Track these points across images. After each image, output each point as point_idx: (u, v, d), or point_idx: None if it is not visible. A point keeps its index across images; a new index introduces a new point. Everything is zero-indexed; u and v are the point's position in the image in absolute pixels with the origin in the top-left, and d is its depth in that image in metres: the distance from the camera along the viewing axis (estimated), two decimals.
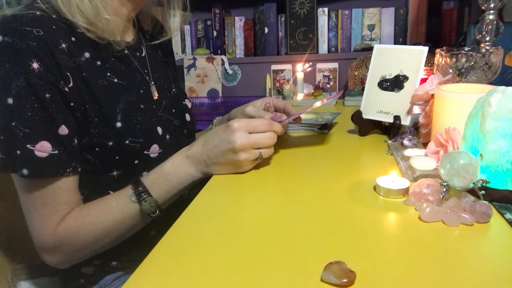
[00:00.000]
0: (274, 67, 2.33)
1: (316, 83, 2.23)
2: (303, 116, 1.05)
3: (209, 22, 2.37)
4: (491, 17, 0.90)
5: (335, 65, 2.26)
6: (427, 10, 2.14)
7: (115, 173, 0.73)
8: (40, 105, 0.62)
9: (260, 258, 0.45)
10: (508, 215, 0.51)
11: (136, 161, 0.74)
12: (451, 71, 0.83)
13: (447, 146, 0.63)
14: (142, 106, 0.76)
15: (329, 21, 2.25)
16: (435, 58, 0.89)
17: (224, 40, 2.37)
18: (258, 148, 0.69)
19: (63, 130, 0.64)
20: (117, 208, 0.68)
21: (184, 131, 0.89)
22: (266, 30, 2.30)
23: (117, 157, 0.72)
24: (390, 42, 2.22)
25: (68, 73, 0.65)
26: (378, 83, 0.90)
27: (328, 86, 2.28)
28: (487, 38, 0.91)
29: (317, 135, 0.97)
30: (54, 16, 0.66)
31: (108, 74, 0.72)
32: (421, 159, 0.66)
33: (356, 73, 1.98)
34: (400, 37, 2.22)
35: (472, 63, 0.83)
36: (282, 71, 2.33)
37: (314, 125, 1.01)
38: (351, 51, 2.25)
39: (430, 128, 0.76)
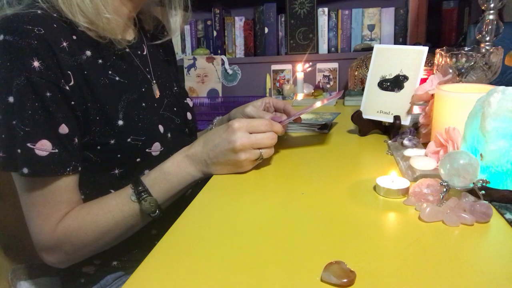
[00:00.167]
0: (274, 67, 2.33)
1: (316, 83, 2.23)
2: (303, 116, 1.05)
3: (209, 22, 2.37)
4: (491, 17, 0.90)
5: (335, 65, 2.27)
6: (427, 10, 2.15)
7: (116, 171, 0.73)
8: (41, 103, 0.62)
9: (260, 258, 0.45)
10: (508, 215, 0.51)
11: (138, 159, 0.74)
12: (451, 71, 0.83)
13: (447, 146, 0.63)
14: (143, 104, 0.76)
15: (329, 21, 2.25)
16: (435, 58, 0.89)
17: (224, 40, 2.37)
18: (259, 148, 0.69)
19: (64, 129, 0.64)
20: (117, 207, 0.68)
21: (185, 130, 0.89)
22: (266, 30, 2.30)
23: (118, 156, 0.72)
24: (390, 42, 2.22)
25: (69, 72, 0.65)
26: (378, 83, 0.90)
27: (328, 86, 2.28)
28: (487, 38, 0.91)
29: (317, 135, 0.97)
30: (55, 15, 0.66)
31: (110, 72, 0.72)
32: (421, 159, 0.66)
33: (356, 73, 1.98)
34: (400, 37, 2.22)
35: (472, 63, 0.83)
36: (282, 71, 2.33)
37: (314, 125, 1.01)
38: (351, 51, 2.25)
39: (430, 128, 0.76)
